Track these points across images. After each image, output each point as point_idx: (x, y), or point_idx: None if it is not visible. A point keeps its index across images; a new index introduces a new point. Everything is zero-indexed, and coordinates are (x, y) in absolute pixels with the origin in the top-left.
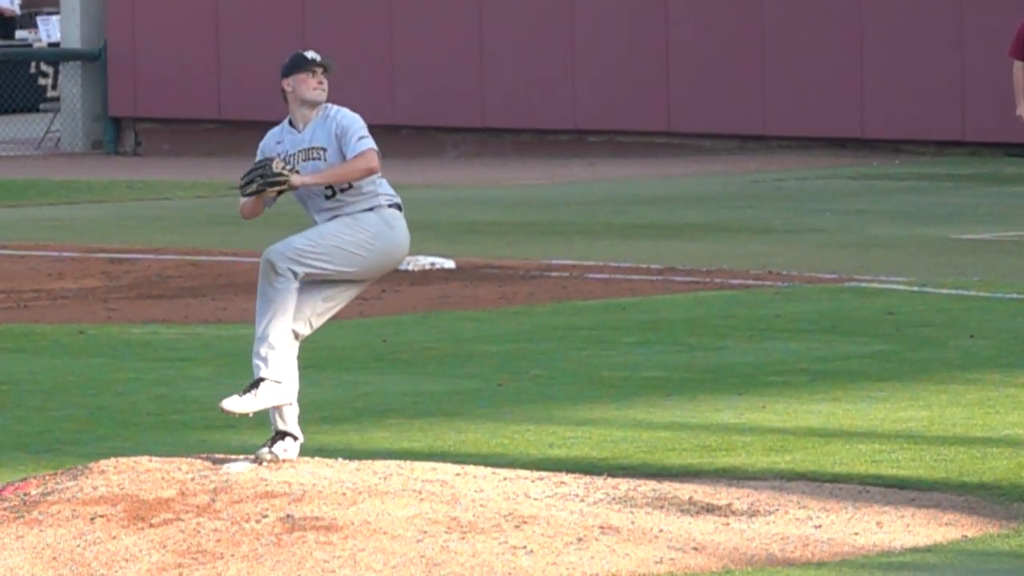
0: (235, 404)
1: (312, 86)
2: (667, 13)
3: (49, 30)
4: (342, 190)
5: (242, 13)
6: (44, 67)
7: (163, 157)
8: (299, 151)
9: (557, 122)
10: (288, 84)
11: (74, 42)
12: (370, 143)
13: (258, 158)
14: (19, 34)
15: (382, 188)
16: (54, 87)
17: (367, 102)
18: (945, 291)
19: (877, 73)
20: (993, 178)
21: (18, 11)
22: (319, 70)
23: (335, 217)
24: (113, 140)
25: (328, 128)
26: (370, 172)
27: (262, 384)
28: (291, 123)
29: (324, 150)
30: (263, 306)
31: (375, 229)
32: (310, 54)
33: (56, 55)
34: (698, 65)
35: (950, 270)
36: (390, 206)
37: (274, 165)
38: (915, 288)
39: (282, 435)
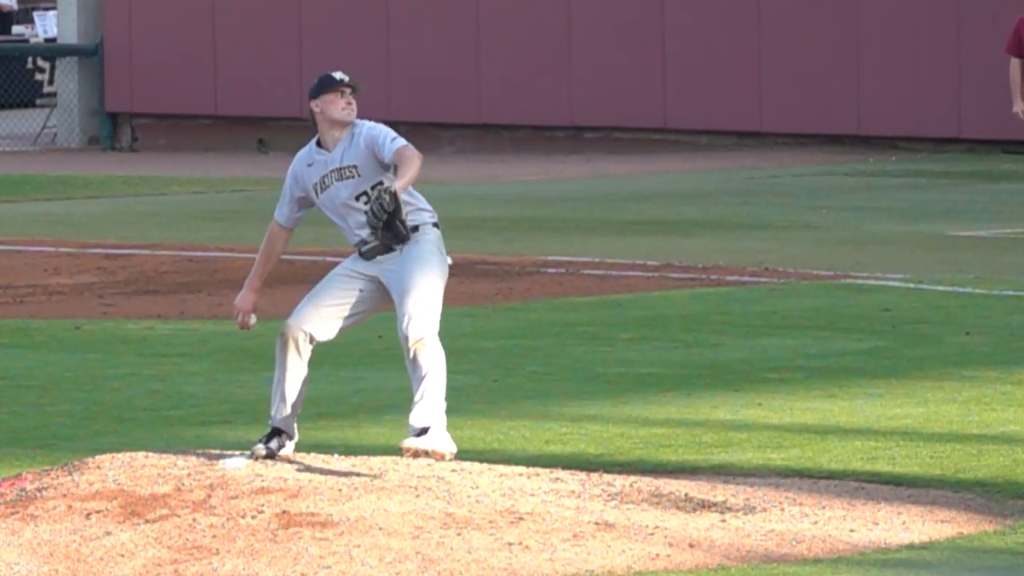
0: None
1: (341, 106)
2: (664, 10)
3: (46, 25)
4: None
5: (238, 8)
6: (40, 62)
7: (159, 153)
8: (331, 171)
9: (554, 118)
10: (316, 105)
11: (70, 37)
12: (403, 140)
13: (288, 182)
14: (16, 29)
15: (421, 202)
16: (50, 82)
17: (364, 98)
18: (941, 288)
19: (873, 70)
20: (989, 175)
21: (15, 6)
22: (347, 90)
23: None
24: (109, 135)
25: (358, 145)
26: (421, 159)
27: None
28: (319, 144)
29: (356, 167)
30: (440, 368)
31: (443, 265)
32: (338, 74)
33: (52, 50)
34: (694, 62)
35: (946, 267)
36: (434, 225)
37: (384, 197)
38: (911, 285)
39: (278, 432)
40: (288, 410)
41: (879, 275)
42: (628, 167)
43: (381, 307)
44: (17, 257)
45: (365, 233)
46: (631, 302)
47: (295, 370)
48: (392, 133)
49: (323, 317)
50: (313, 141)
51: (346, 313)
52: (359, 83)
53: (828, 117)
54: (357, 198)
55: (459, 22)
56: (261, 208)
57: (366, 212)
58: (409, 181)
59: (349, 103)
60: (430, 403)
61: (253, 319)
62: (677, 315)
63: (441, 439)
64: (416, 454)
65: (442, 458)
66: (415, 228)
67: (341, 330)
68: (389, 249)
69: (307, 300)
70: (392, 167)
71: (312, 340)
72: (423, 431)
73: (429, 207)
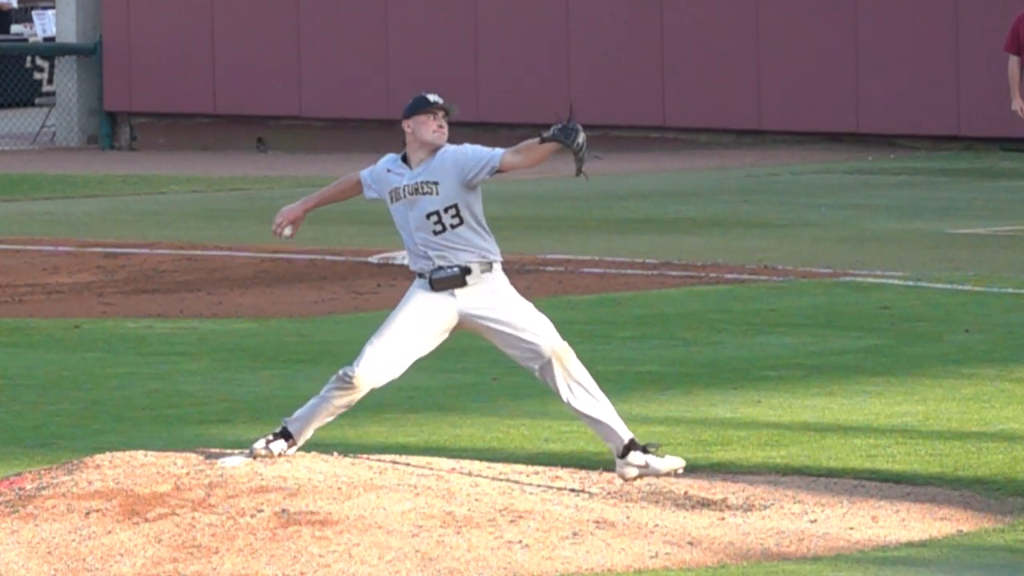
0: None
1: (432, 128)
2: (662, 8)
3: (45, 24)
4: (452, 227)
5: (237, 7)
6: (40, 62)
7: (158, 151)
8: (408, 185)
9: (552, 116)
10: (408, 125)
11: (70, 36)
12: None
13: (367, 180)
14: (15, 28)
15: (491, 243)
16: (50, 82)
17: (362, 97)
18: (940, 285)
19: (872, 68)
20: (988, 173)
21: (14, 5)
22: (440, 113)
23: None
24: (108, 135)
25: (443, 163)
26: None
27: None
28: (404, 159)
29: (436, 184)
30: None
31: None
32: (432, 97)
33: (52, 50)
34: (693, 60)
35: (945, 264)
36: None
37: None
38: (910, 282)
39: (287, 436)
40: (309, 432)
41: (878, 273)
42: (627, 165)
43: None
44: (16, 256)
45: (433, 254)
46: (630, 300)
47: (340, 411)
48: (484, 147)
49: (395, 367)
50: (399, 155)
51: (417, 358)
52: (453, 107)
53: (827, 115)
54: (428, 216)
55: (457, 21)
56: (260, 207)
57: (561, 129)
58: (538, 155)
59: (441, 126)
60: (614, 418)
61: (289, 231)
62: (676, 313)
63: (661, 460)
64: (641, 475)
65: (674, 472)
66: (486, 268)
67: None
68: (462, 282)
69: (383, 349)
70: (475, 185)
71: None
72: (629, 448)
73: (497, 247)
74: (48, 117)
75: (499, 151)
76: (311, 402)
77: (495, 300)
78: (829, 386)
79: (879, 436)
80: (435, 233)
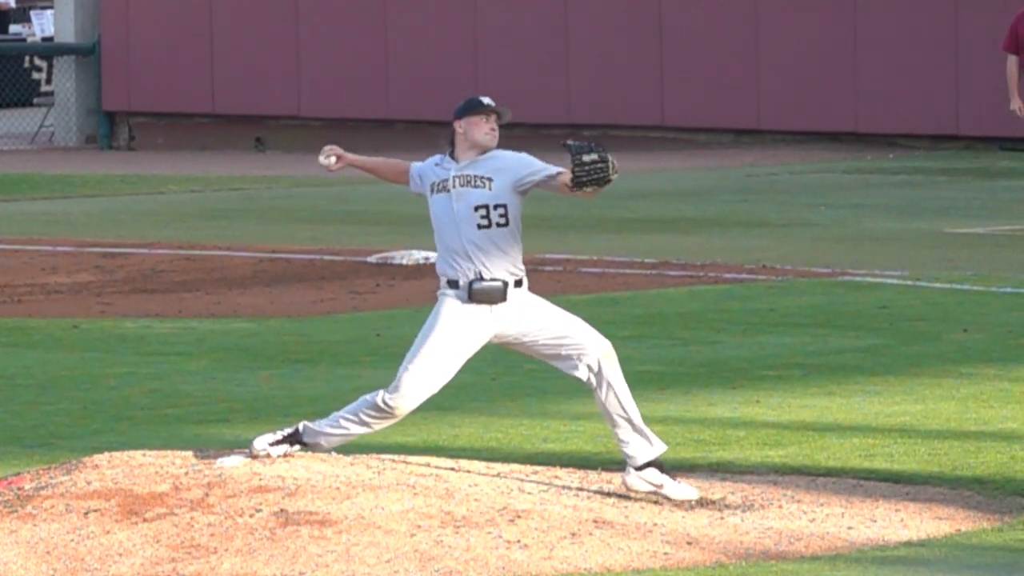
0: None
1: (485, 131)
2: (661, 7)
3: (43, 24)
4: (499, 225)
5: (236, 7)
6: (38, 61)
7: (157, 151)
8: (458, 176)
9: (551, 116)
10: (460, 125)
11: (68, 36)
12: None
13: (414, 173)
14: (13, 28)
15: (520, 261)
16: (48, 81)
17: (361, 96)
18: (939, 285)
19: (871, 67)
20: (987, 172)
21: (12, 4)
22: (492, 116)
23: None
24: (107, 134)
25: (499, 160)
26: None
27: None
28: (451, 156)
29: (491, 180)
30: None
31: None
32: (485, 100)
33: (50, 49)
34: (692, 59)
35: (944, 264)
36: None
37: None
38: (909, 282)
39: (299, 443)
40: (325, 447)
41: (877, 272)
42: (625, 165)
43: None
44: (15, 256)
45: (475, 257)
46: (629, 300)
47: (369, 433)
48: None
49: (433, 389)
50: (445, 154)
51: (452, 376)
52: (505, 111)
53: (826, 114)
54: (477, 209)
55: (456, 20)
56: (259, 207)
57: (580, 147)
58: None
59: (493, 129)
60: (642, 431)
61: (334, 160)
62: (675, 313)
63: (677, 485)
64: (651, 493)
65: (686, 503)
66: (519, 283)
67: None
68: (503, 296)
69: (421, 376)
70: (526, 191)
71: None
72: (651, 464)
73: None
74: (46, 117)
75: (557, 167)
76: (342, 421)
77: (530, 312)
78: (828, 386)
79: (878, 436)
80: (479, 227)
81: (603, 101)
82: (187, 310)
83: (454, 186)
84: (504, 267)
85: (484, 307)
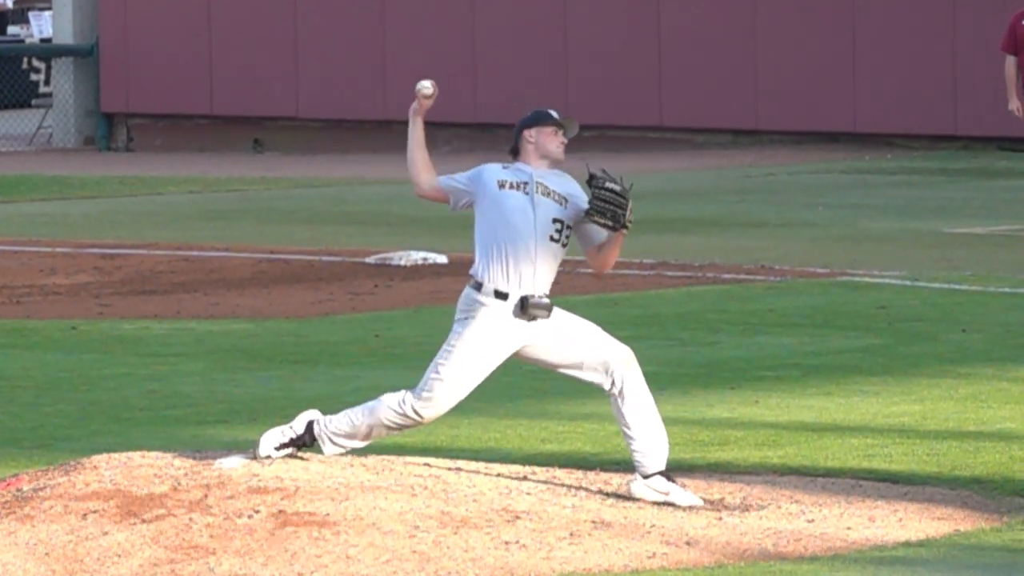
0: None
1: (556, 144)
2: (659, 8)
3: (41, 25)
4: (562, 244)
5: (234, 8)
6: (36, 63)
7: (155, 152)
8: (540, 183)
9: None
10: (531, 135)
11: (66, 38)
12: None
13: (467, 174)
14: (11, 29)
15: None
16: (46, 83)
17: (359, 98)
18: (937, 285)
19: (869, 67)
20: (985, 172)
21: (10, 5)
22: (561, 130)
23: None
24: (105, 136)
25: (565, 186)
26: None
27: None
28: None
29: (567, 199)
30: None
31: None
32: (555, 113)
33: (48, 51)
34: (690, 60)
35: (942, 264)
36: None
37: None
38: (907, 282)
39: (307, 446)
40: (335, 452)
41: (875, 272)
42: (624, 165)
43: None
44: (13, 257)
45: (538, 269)
46: (627, 300)
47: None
48: None
49: (460, 398)
50: (508, 162)
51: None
52: (572, 125)
53: (824, 115)
54: (554, 221)
55: (455, 21)
56: (257, 208)
57: (607, 182)
58: (616, 247)
59: (563, 143)
60: (661, 439)
61: (430, 86)
62: (673, 313)
63: (683, 492)
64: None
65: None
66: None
67: None
68: (548, 314)
69: (454, 386)
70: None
71: None
72: (659, 473)
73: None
74: (45, 118)
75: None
76: (356, 420)
77: (560, 329)
78: (827, 386)
79: (876, 436)
80: (552, 239)
81: (602, 101)
82: (186, 311)
83: (535, 191)
84: (549, 283)
85: (523, 321)
